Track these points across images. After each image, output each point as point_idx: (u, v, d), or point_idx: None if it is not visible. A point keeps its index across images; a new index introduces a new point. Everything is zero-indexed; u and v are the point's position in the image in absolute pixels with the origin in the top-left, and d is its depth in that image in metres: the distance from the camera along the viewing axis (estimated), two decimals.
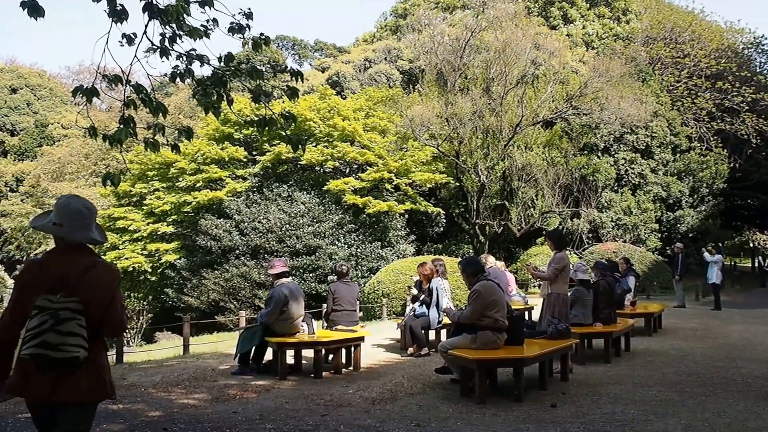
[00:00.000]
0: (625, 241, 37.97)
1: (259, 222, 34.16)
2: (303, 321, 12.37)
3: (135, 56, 7.76)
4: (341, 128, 37.44)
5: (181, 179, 38.31)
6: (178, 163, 38.04)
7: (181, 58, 8.03)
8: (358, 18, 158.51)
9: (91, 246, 4.84)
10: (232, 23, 7.95)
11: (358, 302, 15.49)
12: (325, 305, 14.65)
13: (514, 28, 37.50)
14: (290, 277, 12.87)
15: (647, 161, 41.66)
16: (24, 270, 4.75)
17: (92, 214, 4.78)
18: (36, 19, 6.86)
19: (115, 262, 36.03)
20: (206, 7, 7.74)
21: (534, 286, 32.73)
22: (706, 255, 26.74)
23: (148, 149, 8.13)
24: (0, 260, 63.97)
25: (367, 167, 37.12)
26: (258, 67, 8.47)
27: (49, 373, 4.41)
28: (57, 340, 4.35)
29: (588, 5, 55.05)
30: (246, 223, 34.37)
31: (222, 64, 8.08)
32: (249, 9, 7.97)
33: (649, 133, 41.43)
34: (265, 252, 33.41)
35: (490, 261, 17.68)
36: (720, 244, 34.76)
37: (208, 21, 7.84)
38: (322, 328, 14.12)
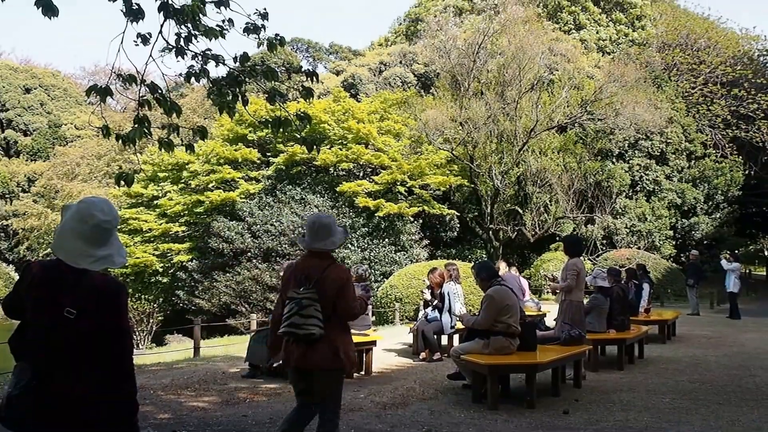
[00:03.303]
0: (639, 248, 37.86)
1: (271, 225, 34.09)
2: None
3: (150, 56, 7.74)
4: (356, 131, 37.41)
5: (193, 180, 38.31)
6: (191, 165, 38.05)
7: (196, 58, 8.01)
8: (373, 22, 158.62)
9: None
10: (247, 23, 7.93)
11: (370, 306, 15.43)
12: None
13: (526, 32, 37.45)
14: None
15: (662, 167, 41.57)
16: (284, 270, 6.69)
17: (328, 228, 6.37)
18: (50, 18, 6.84)
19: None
20: (222, 8, 7.72)
21: (547, 292, 32.69)
22: (724, 263, 26.55)
23: (163, 149, 8.12)
24: (11, 261, 64.00)
25: (381, 170, 37.08)
26: (273, 67, 8.41)
27: (300, 346, 6.09)
28: (300, 322, 6.02)
29: (601, 10, 55.05)
30: (258, 226, 34.32)
31: (237, 64, 8.06)
32: (264, 9, 7.95)
33: (664, 140, 41.33)
34: (278, 255, 33.31)
35: (502, 267, 17.61)
36: (737, 251, 34.63)
37: (223, 21, 7.82)
38: None
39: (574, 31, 53.16)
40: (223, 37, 7.84)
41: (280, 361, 6.43)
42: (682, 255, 39.93)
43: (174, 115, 7.84)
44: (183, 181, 39.54)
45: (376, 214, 34.96)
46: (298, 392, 6.46)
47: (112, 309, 3.83)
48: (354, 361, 6.55)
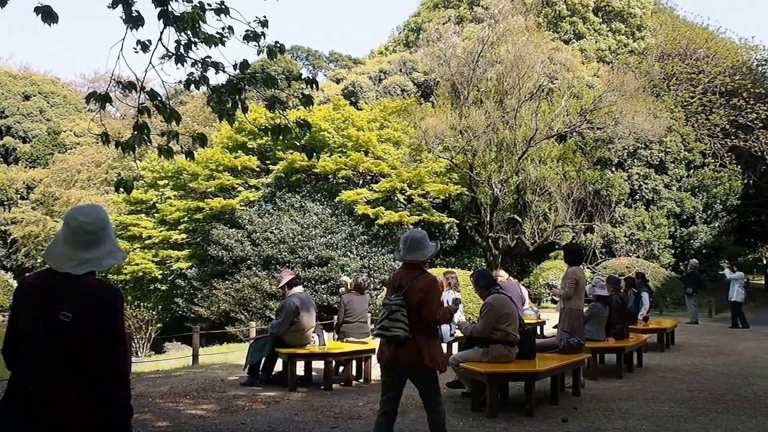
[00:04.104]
0: (638, 257, 37.84)
1: (271, 232, 34.03)
2: (314, 332, 12.33)
3: (150, 63, 7.75)
4: (355, 138, 37.40)
5: (193, 183, 38.29)
6: (191, 168, 37.94)
7: (196, 65, 8.02)
8: (373, 30, 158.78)
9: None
10: (247, 31, 7.93)
11: (369, 314, 15.41)
12: (336, 317, 14.58)
13: (526, 41, 37.43)
14: (302, 288, 12.81)
15: (661, 176, 41.56)
16: (388, 280, 7.65)
17: (418, 243, 7.15)
18: (50, 25, 6.84)
19: (124, 268, 36.20)
20: (222, 15, 7.73)
21: (546, 300, 32.69)
22: (727, 272, 26.55)
23: (162, 156, 8.12)
24: (9, 268, 63.86)
25: (381, 178, 37.05)
26: (272, 75, 8.42)
27: (390, 346, 7.00)
28: (389, 325, 6.91)
29: (601, 20, 55.09)
30: (258, 234, 34.25)
31: (237, 71, 8.06)
32: (264, 17, 7.96)
33: (663, 149, 41.34)
34: (277, 263, 33.24)
35: (502, 275, 17.61)
36: (739, 259, 34.59)
37: (223, 28, 7.83)
38: (333, 339, 14.06)
39: (573, 40, 53.17)
40: (223, 44, 7.86)
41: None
42: (680, 264, 39.90)
43: (173, 122, 7.85)
44: (183, 185, 39.57)
45: (375, 223, 34.90)
46: (386, 389, 7.32)
47: (110, 313, 3.84)
48: (438, 361, 7.23)
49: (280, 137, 8.57)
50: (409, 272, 7.13)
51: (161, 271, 37.58)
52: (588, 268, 35.12)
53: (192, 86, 8.16)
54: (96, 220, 3.92)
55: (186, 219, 37.76)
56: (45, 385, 3.71)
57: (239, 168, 38.57)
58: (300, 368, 12.43)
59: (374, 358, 13.22)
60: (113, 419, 3.86)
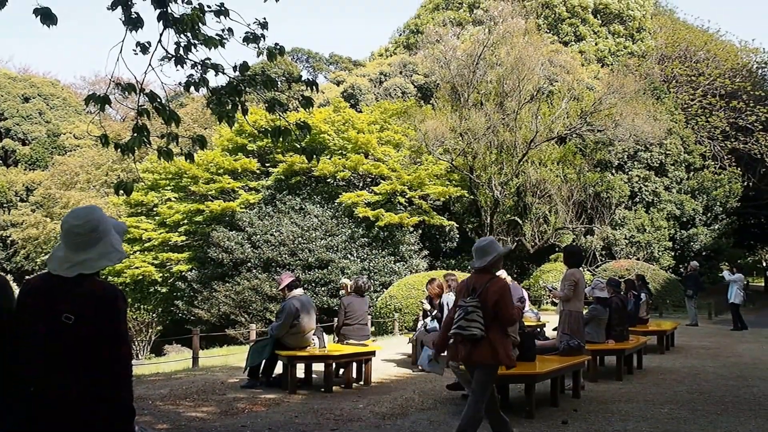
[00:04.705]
0: (638, 259, 37.80)
1: (271, 235, 34.04)
2: (314, 334, 12.31)
3: (149, 65, 7.75)
4: (355, 140, 37.41)
5: (194, 186, 38.30)
6: (192, 171, 37.94)
7: (195, 67, 8.01)
8: (373, 32, 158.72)
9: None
10: (247, 33, 7.93)
11: (369, 316, 15.38)
12: (336, 319, 14.56)
13: (525, 43, 37.43)
14: (302, 290, 12.79)
15: (661, 179, 41.54)
16: (458, 284, 8.23)
17: (483, 251, 7.61)
18: (49, 27, 6.84)
19: (123, 271, 36.23)
20: (222, 17, 7.73)
21: (546, 303, 32.66)
22: (726, 274, 26.58)
23: (162, 158, 8.11)
24: (9, 271, 63.61)
25: (381, 180, 37.06)
26: (272, 77, 8.43)
27: (466, 345, 7.34)
28: (465, 324, 7.28)
29: (601, 22, 55.15)
30: (258, 236, 34.27)
31: (237, 73, 8.05)
32: (264, 19, 7.95)
33: (663, 151, 41.31)
34: (277, 265, 33.23)
35: (503, 276, 17.61)
36: (739, 261, 34.56)
37: (223, 30, 7.82)
38: (333, 341, 14.05)
39: (573, 42, 53.21)
40: (223, 46, 7.85)
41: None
42: (680, 266, 39.90)
43: (173, 124, 7.84)
44: (183, 187, 39.57)
45: (375, 225, 34.91)
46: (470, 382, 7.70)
47: (111, 315, 3.82)
48: (512, 357, 7.66)
49: (280, 139, 8.55)
50: (481, 276, 7.59)
51: (161, 274, 37.58)
52: (588, 270, 35.14)
53: (192, 88, 8.16)
54: (86, 222, 3.89)
55: (186, 221, 37.74)
56: (45, 385, 3.70)
57: (239, 170, 38.57)
58: (300, 371, 12.40)
59: (374, 360, 13.31)
60: (113, 419, 3.84)
